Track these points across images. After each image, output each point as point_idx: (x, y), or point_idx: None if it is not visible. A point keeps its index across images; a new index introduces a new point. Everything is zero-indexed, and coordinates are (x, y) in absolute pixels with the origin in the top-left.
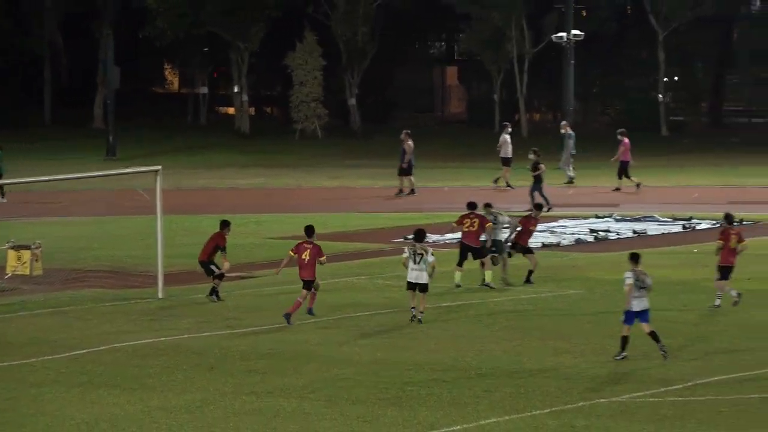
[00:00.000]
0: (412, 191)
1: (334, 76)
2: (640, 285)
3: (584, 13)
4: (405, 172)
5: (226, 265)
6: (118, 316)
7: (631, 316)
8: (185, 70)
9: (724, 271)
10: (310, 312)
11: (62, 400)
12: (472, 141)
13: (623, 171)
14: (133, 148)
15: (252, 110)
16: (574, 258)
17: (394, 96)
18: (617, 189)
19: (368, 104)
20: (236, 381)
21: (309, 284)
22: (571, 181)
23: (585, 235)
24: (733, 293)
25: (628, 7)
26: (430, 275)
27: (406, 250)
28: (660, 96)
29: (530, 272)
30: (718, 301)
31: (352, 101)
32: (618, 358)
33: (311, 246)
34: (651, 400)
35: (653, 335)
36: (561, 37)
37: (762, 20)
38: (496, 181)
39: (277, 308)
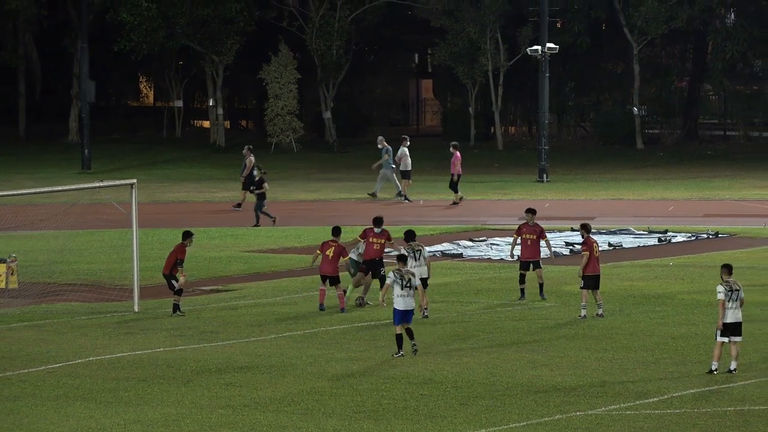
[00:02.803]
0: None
1: (309, 90)
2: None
3: (559, 26)
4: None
5: (181, 280)
6: (93, 329)
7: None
8: (160, 84)
9: (592, 281)
10: (342, 310)
11: (38, 413)
12: (448, 154)
13: (454, 184)
14: (108, 162)
15: (227, 124)
16: (550, 271)
17: (370, 109)
18: (456, 203)
19: (343, 118)
20: (212, 394)
21: (327, 279)
22: (374, 195)
23: (560, 248)
24: (600, 311)
25: (603, 21)
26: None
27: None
28: (635, 109)
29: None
30: (584, 312)
31: (327, 114)
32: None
33: (335, 245)
34: (627, 413)
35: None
36: (536, 50)
37: (736, 33)
38: (398, 194)
39: (252, 321)
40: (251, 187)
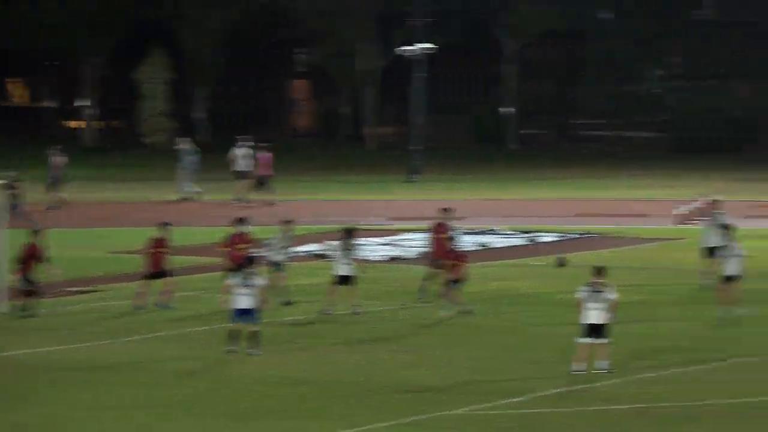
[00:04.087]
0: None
1: (183, 90)
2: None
3: (434, 27)
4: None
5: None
6: None
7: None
8: (31, 83)
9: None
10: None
11: None
12: (323, 154)
13: (260, 184)
14: None
15: (100, 123)
16: (419, 271)
17: (246, 110)
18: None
19: (221, 118)
20: (72, 395)
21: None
22: (187, 198)
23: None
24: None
25: (479, 21)
26: None
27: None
28: (510, 109)
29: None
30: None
31: (199, 115)
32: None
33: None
34: (492, 412)
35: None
36: (410, 51)
37: (610, 34)
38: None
39: (117, 322)
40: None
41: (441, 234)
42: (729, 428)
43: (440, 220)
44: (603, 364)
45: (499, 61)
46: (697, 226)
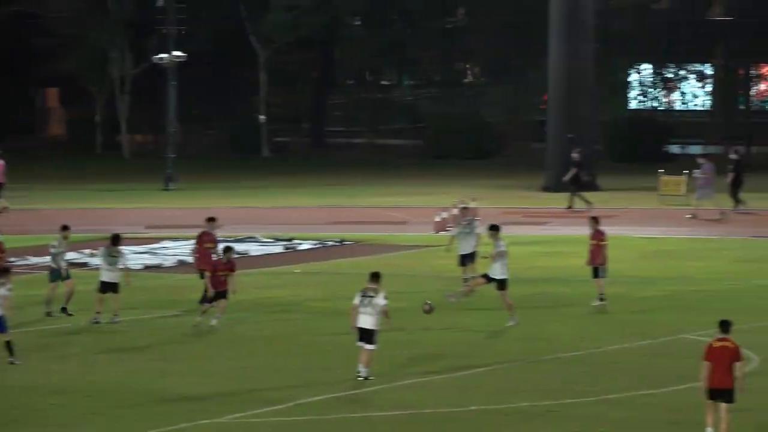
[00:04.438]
0: None
1: None
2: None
3: (186, 35)
4: None
5: None
6: None
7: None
8: None
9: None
10: None
11: None
12: (78, 163)
13: None
14: None
15: None
16: (177, 279)
17: None
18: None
19: None
20: None
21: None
22: None
23: (186, 256)
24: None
25: (231, 29)
26: None
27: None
28: (262, 117)
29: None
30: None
31: None
32: None
33: None
34: (254, 420)
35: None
36: (162, 59)
37: (360, 41)
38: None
39: None
40: None
41: (206, 243)
42: None
43: (205, 230)
44: (363, 370)
45: (253, 69)
46: (452, 233)
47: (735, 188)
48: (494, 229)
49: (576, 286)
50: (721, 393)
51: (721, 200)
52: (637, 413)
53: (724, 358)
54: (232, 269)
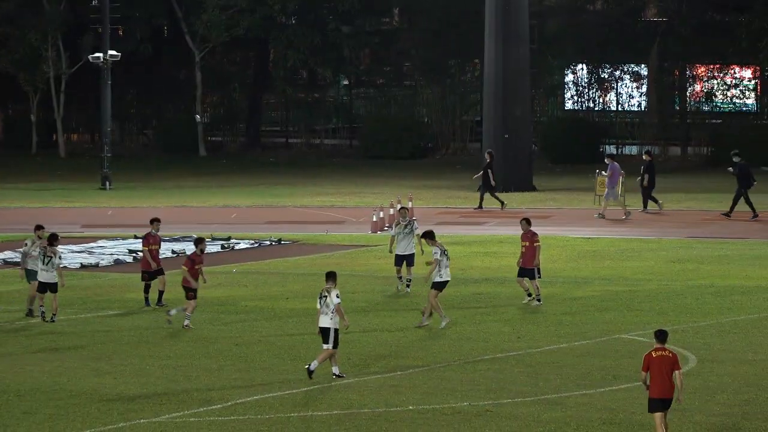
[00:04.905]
0: None
1: None
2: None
3: (121, 33)
4: None
5: None
6: None
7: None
8: None
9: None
10: None
11: None
12: (10, 162)
13: None
14: None
15: None
16: (113, 279)
17: None
18: None
19: None
20: None
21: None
22: None
23: (124, 255)
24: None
25: (165, 28)
26: None
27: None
28: (197, 116)
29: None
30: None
31: None
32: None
33: None
34: (191, 420)
35: None
36: (97, 58)
37: (298, 41)
38: None
39: None
40: None
41: (152, 245)
42: None
43: (150, 231)
44: (335, 368)
45: (187, 68)
46: (391, 233)
47: (648, 189)
48: (428, 236)
49: (512, 286)
50: (664, 402)
51: (632, 201)
52: (574, 412)
53: (664, 367)
54: (202, 261)
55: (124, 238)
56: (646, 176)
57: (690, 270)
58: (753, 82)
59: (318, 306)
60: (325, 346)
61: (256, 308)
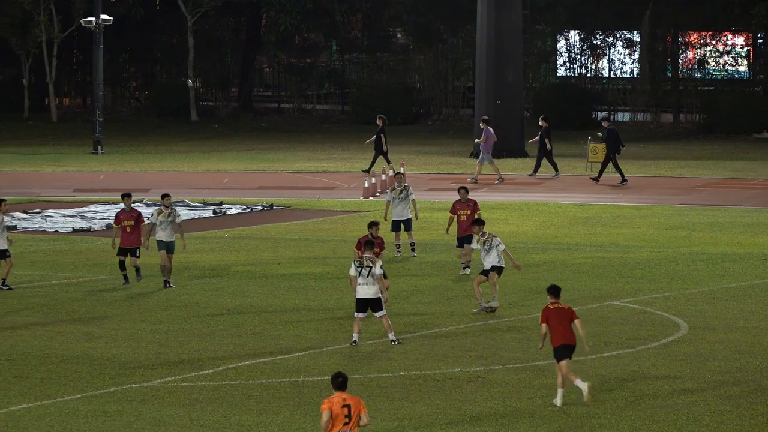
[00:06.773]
0: None
1: None
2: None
3: None
4: None
5: None
6: None
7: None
8: None
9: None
10: None
11: None
12: (2, 126)
13: None
14: None
15: None
16: (105, 243)
17: None
18: None
19: None
20: None
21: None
22: None
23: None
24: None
25: None
26: None
27: None
28: (189, 81)
29: None
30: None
31: None
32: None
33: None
34: (183, 384)
35: None
36: (90, 22)
37: (290, 6)
38: None
39: None
40: None
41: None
42: (418, 398)
43: (123, 208)
44: (391, 335)
45: (179, 33)
46: (386, 199)
47: (543, 154)
48: (478, 223)
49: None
50: (568, 349)
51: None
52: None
53: (563, 318)
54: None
55: (116, 203)
56: (546, 140)
57: (682, 237)
58: (745, 49)
59: (353, 274)
60: (377, 314)
61: (247, 273)
